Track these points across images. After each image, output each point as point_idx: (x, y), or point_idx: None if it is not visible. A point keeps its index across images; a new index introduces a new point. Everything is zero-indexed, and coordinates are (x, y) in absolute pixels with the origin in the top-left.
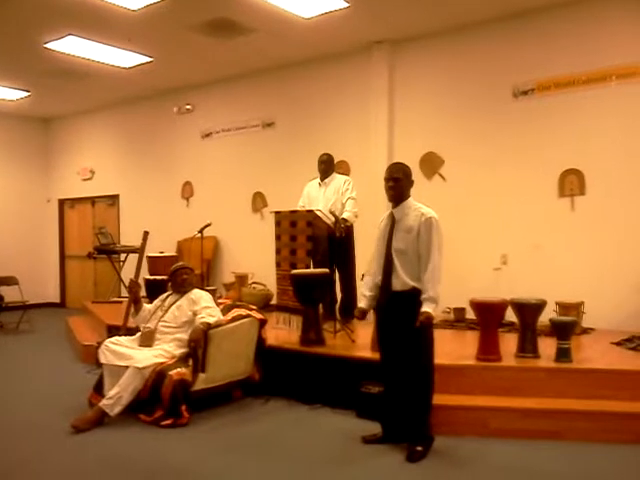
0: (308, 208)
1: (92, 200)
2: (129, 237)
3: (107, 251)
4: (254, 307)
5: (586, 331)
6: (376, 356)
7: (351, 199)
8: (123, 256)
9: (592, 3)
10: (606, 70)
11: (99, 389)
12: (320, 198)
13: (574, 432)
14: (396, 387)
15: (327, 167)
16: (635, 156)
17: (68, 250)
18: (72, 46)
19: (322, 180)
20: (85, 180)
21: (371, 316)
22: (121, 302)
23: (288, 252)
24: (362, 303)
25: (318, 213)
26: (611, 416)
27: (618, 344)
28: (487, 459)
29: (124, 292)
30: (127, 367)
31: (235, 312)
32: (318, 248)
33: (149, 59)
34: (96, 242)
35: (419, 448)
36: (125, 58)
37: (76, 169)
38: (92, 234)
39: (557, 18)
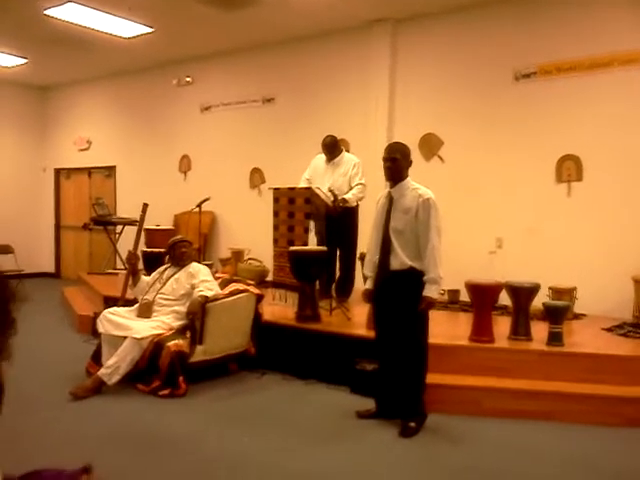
0: (312, 182)
1: (88, 171)
2: (126, 209)
3: (104, 222)
4: (251, 282)
5: (578, 316)
6: (371, 334)
7: (360, 185)
8: (119, 228)
9: None
10: (609, 56)
11: (97, 358)
12: (327, 177)
13: (564, 414)
14: (391, 365)
15: (331, 150)
16: (634, 144)
17: (64, 220)
18: (72, 13)
19: (329, 160)
20: (82, 150)
21: None
22: (117, 274)
23: (286, 229)
24: (367, 284)
25: (317, 191)
26: (601, 399)
27: (609, 330)
28: (478, 437)
29: (120, 264)
30: (125, 337)
31: (233, 286)
32: (316, 225)
33: (150, 29)
34: (92, 213)
35: (412, 424)
36: (126, 28)
37: (73, 139)
38: (88, 205)
39: (562, 2)
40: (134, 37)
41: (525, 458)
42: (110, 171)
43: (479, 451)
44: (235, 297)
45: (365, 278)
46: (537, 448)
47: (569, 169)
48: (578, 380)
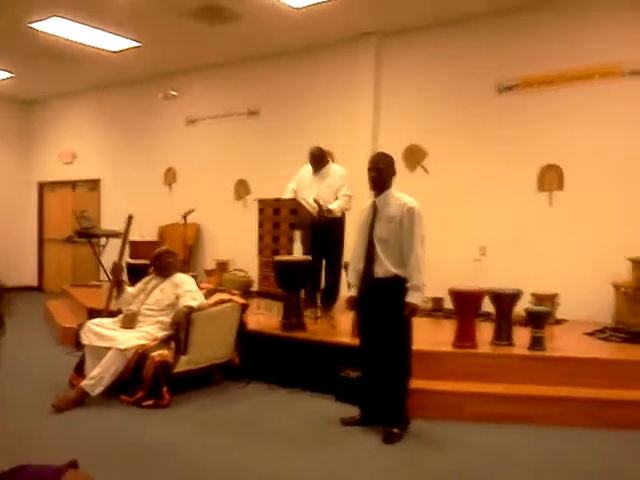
0: (298, 192)
1: (73, 184)
2: (110, 222)
3: (87, 235)
4: (236, 292)
5: (560, 322)
6: (356, 342)
7: (345, 196)
8: (103, 241)
9: (578, 4)
10: (589, 69)
11: (80, 370)
12: (313, 188)
13: (546, 417)
14: (375, 371)
15: (317, 161)
16: (613, 155)
17: (47, 233)
18: (58, 27)
19: (315, 171)
20: (66, 164)
21: None
22: (100, 286)
23: (271, 239)
24: (352, 292)
25: (302, 201)
26: (581, 402)
27: (590, 334)
28: (461, 441)
29: (104, 276)
30: (109, 348)
31: (217, 296)
32: (301, 235)
33: (137, 44)
34: (76, 226)
35: (396, 430)
36: (112, 42)
37: (57, 152)
38: (72, 218)
39: (543, 17)
40: (121, 51)
41: (507, 462)
42: (94, 184)
43: (462, 456)
44: (220, 307)
45: (349, 286)
46: (519, 452)
47: (551, 178)
48: (559, 384)
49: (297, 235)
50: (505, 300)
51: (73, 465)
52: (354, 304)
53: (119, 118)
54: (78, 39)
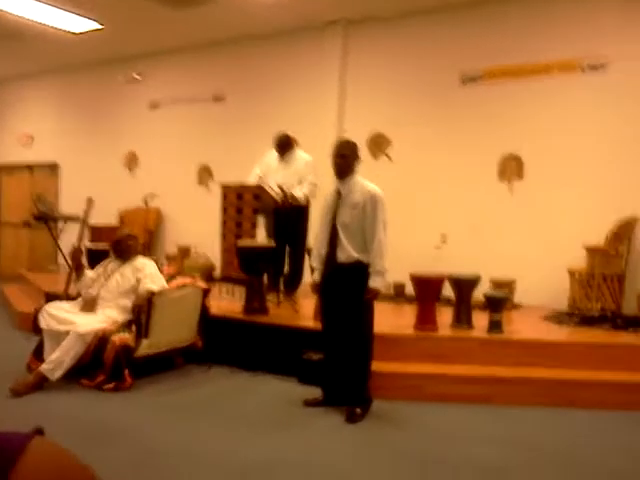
0: (263, 178)
1: (31, 167)
2: (69, 206)
3: (45, 218)
4: (198, 276)
5: (517, 307)
6: (318, 325)
7: (310, 183)
8: (62, 225)
9: None
10: (550, 63)
11: (38, 354)
12: (278, 173)
13: (503, 397)
14: (337, 354)
15: (283, 147)
16: (570, 146)
17: (4, 217)
18: (15, 5)
19: (281, 156)
20: (24, 146)
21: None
22: (58, 271)
23: (234, 225)
24: (315, 276)
25: (266, 187)
26: (537, 382)
27: (546, 319)
28: (422, 421)
29: (62, 261)
30: (68, 332)
31: (179, 281)
32: (265, 221)
33: (99, 26)
34: (34, 209)
35: (358, 410)
36: (75, 23)
37: (15, 135)
38: (30, 202)
39: (507, 10)
40: (83, 33)
41: (466, 440)
42: (53, 168)
43: (422, 434)
44: (181, 291)
45: (312, 270)
46: (477, 430)
47: (511, 168)
48: (516, 365)
49: (260, 221)
50: (465, 285)
51: (39, 432)
52: (318, 288)
53: (80, 101)
54: (38, 19)
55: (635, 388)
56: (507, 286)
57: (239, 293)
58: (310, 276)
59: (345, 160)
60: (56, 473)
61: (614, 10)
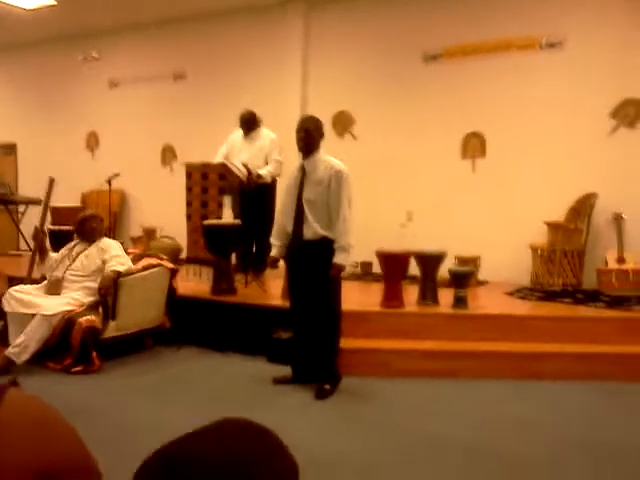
0: (229, 157)
1: None
2: (28, 188)
3: (4, 201)
4: (164, 257)
5: (482, 283)
6: (287, 304)
7: (276, 161)
8: (22, 208)
9: None
10: (508, 40)
11: (3, 339)
12: (243, 151)
13: (469, 370)
14: (305, 332)
15: (248, 125)
16: (530, 123)
17: None
18: None
19: (246, 134)
20: None
21: (282, 266)
22: (20, 255)
23: (199, 204)
24: (273, 252)
25: (230, 166)
26: (501, 356)
27: (510, 294)
28: (390, 395)
29: (23, 245)
30: (33, 315)
31: (145, 261)
32: (231, 201)
33: (52, 2)
34: None
35: (327, 386)
36: None
37: None
38: None
39: None
40: (35, 9)
41: (433, 412)
42: (10, 149)
43: (391, 409)
44: (148, 271)
45: (272, 246)
46: (444, 403)
47: (474, 146)
48: (481, 339)
49: (227, 200)
50: (430, 261)
51: (14, 384)
52: (275, 263)
53: (37, 80)
54: None
55: (596, 358)
56: (472, 262)
57: (206, 274)
58: None
59: (309, 135)
60: (32, 421)
61: None
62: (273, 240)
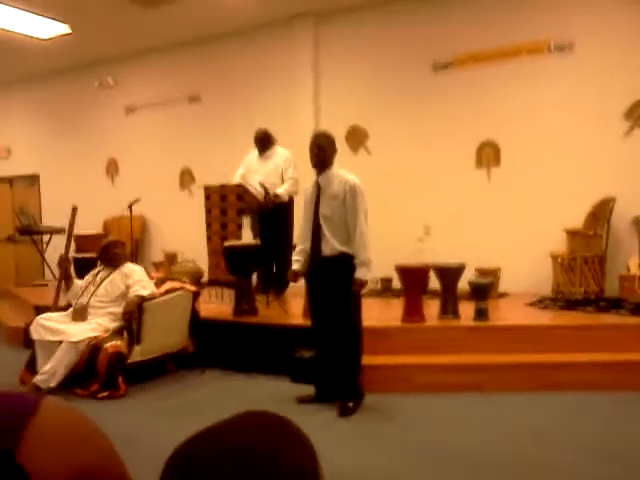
0: (246, 177)
1: (10, 180)
2: (52, 217)
3: (29, 232)
4: (187, 280)
5: (503, 295)
6: (308, 323)
7: (292, 179)
8: (46, 237)
9: None
10: (517, 45)
11: (31, 367)
12: (259, 171)
13: (493, 383)
14: (328, 349)
15: (262, 143)
16: (544, 128)
17: None
18: None
19: (261, 154)
20: (1, 159)
21: (302, 284)
22: (46, 285)
23: (219, 226)
24: (294, 266)
25: (248, 187)
26: (524, 367)
27: (531, 305)
28: (414, 411)
29: (49, 274)
30: (60, 342)
31: (168, 285)
32: (250, 221)
33: (68, 30)
34: (17, 223)
35: (350, 404)
36: (42, 28)
37: None
38: (12, 215)
39: None
40: (51, 38)
41: (456, 427)
42: (33, 179)
43: (416, 424)
44: (171, 295)
45: (294, 262)
46: (468, 417)
47: (488, 155)
48: (503, 351)
49: (245, 221)
50: (450, 274)
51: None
52: (296, 277)
53: (55, 109)
54: (6, 26)
55: (620, 367)
56: (492, 274)
57: (228, 296)
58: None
59: (322, 151)
60: (69, 427)
61: None
62: (295, 256)
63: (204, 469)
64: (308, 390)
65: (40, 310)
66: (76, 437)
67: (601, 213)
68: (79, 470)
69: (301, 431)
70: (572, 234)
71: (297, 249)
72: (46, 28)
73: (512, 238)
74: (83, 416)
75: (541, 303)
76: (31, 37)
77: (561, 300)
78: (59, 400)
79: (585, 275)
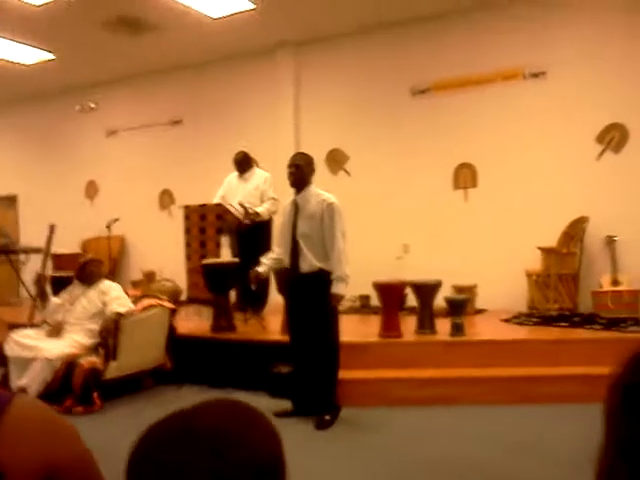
0: (226, 199)
1: None
2: (30, 238)
3: (6, 251)
4: (164, 297)
5: (479, 311)
6: (286, 338)
7: (272, 199)
8: (23, 257)
9: (482, 13)
10: (493, 72)
11: (5, 384)
12: (239, 192)
13: (468, 397)
14: (305, 364)
15: (242, 165)
16: (520, 150)
17: None
18: None
19: (240, 175)
20: None
21: (280, 302)
22: (22, 303)
23: (198, 245)
24: (261, 268)
25: (228, 206)
26: (499, 381)
27: (506, 321)
28: (390, 424)
29: (24, 293)
30: (35, 359)
31: (146, 302)
32: (229, 240)
33: (51, 56)
34: None
35: (327, 417)
36: (25, 54)
37: None
38: None
39: (451, 25)
40: (35, 64)
41: (432, 440)
42: (11, 200)
43: (392, 436)
44: (148, 312)
45: (261, 264)
46: (444, 429)
47: (465, 176)
48: (479, 365)
49: (224, 241)
50: (427, 290)
51: (23, 390)
52: (257, 279)
53: (35, 132)
54: None
55: (593, 381)
56: (468, 291)
57: (207, 314)
58: (275, 293)
59: (299, 170)
60: (40, 423)
61: (550, 20)
62: (262, 260)
63: (170, 453)
64: (286, 405)
65: (15, 327)
66: (48, 433)
67: (575, 232)
68: (51, 465)
69: (268, 419)
70: (547, 252)
71: (268, 256)
72: (30, 54)
73: (489, 256)
74: (55, 414)
75: (516, 319)
76: (15, 63)
77: (536, 316)
78: (31, 398)
79: (559, 292)
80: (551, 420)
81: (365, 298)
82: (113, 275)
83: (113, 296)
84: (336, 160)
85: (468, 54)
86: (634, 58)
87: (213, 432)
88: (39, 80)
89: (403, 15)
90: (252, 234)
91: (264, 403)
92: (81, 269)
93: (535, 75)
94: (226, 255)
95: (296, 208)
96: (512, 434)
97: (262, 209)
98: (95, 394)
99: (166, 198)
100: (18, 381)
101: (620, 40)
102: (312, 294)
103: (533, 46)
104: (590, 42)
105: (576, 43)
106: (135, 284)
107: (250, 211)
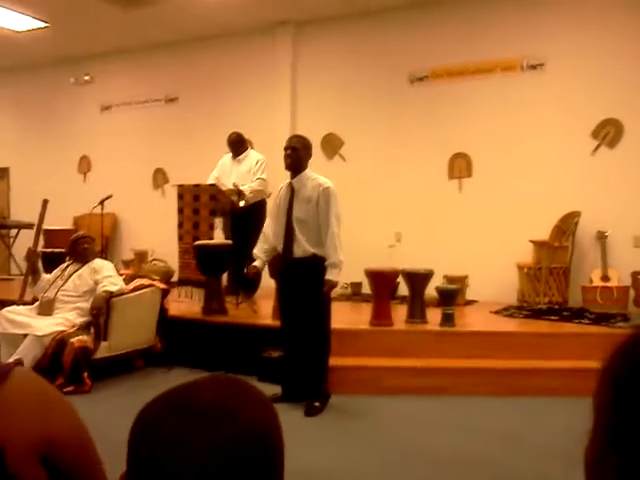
0: (220, 180)
1: None
2: (21, 212)
3: None
4: (156, 277)
5: (470, 302)
6: (277, 323)
7: (260, 179)
8: (14, 232)
9: (484, 2)
10: (492, 62)
11: None
12: (233, 173)
13: (457, 387)
14: (296, 350)
15: (236, 146)
16: (515, 142)
17: None
18: None
19: (234, 157)
20: None
21: (271, 285)
22: (12, 279)
23: (191, 226)
24: (257, 263)
25: (222, 187)
26: (489, 372)
27: (496, 312)
28: (378, 413)
29: (15, 269)
30: (25, 336)
31: (137, 282)
32: (222, 222)
33: (44, 24)
34: None
35: (317, 404)
36: (16, 21)
37: None
38: None
39: (451, 12)
40: (26, 31)
41: (422, 428)
42: (3, 173)
43: (380, 424)
44: (140, 292)
45: (256, 258)
46: (433, 419)
47: (460, 166)
48: (468, 356)
49: (218, 222)
50: (418, 279)
51: (19, 364)
52: (255, 274)
53: (28, 104)
54: None
55: (581, 374)
56: (460, 281)
57: (198, 296)
58: (267, 277)
59: (296, 153)
60: (39, 396)
61: (550, 12)
62: (259, 253)
63: (170, 424)
64: (275, 390)
65: (5, 304)
66: (45, 405)
67: (567, 226)
68: (49, 439)
69: (263, 394)
70: (538, 245)
71: (260, 246)
72: (21, 20)
73: (480, 247)
74: (53, 388)
75: (506, 311)
76: (6, 29)
77: (526, 309)
78: (28, 370)
79: (550, 285)
80: (539, 412)
81: (357, 285)
82: (105, 253)
83: (105, 274)
84: (331, 145)
85: (468, 43)
86: (632, 54)
87: (211, 405)
88: (31, 49)
89: (405, 0)
90: (245, 216)
91: None
92: (73, 246)
93: (533, 67)
94: (219, 238)
95: (292, 191)
96: (500, 425)
97: (246, 187)
98: (85, 374)
99: (160, 177)
100: (8, 358)
101: (619, 35)
102: (305, 280)
103: (533, 37)
104: (589, 36)
105: (575, 36)
106: (127, 263)
107: (241, 190)
